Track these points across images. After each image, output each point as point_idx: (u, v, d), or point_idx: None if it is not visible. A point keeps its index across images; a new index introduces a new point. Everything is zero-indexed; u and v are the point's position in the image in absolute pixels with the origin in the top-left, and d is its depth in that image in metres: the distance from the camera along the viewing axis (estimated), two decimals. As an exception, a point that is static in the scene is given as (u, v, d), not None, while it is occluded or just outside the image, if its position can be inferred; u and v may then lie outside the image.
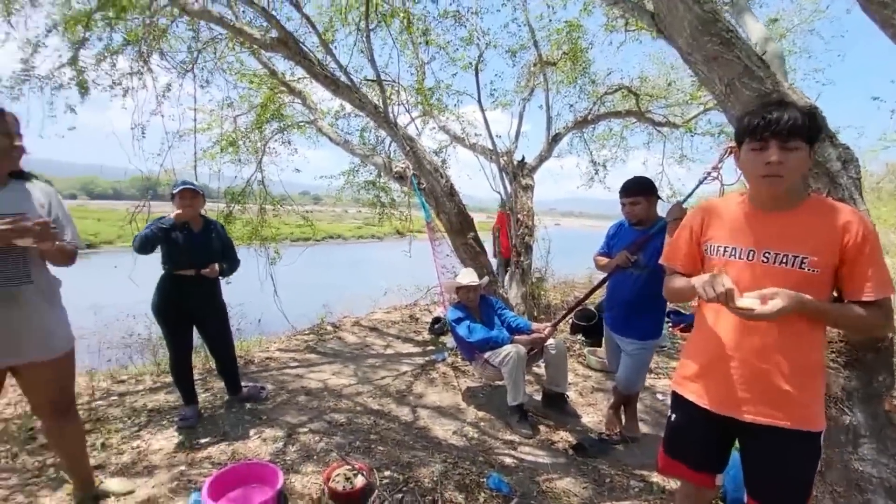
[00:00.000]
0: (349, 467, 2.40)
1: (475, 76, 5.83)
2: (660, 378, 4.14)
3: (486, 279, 3.76)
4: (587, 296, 3.13)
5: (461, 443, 2.88)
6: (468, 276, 3.49)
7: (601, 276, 2.95)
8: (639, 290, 2.64)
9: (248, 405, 3.23)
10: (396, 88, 5.48)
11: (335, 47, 5.61)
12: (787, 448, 1.36)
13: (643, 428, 3.06)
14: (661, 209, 2.68)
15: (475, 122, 7.08)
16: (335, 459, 2.58)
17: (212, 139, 7.45)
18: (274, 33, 4.52)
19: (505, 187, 5.61)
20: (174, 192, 2.85)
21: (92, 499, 2.13)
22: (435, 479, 2.43)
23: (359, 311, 7.20)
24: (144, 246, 2.72)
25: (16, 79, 4.94)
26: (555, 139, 7.06)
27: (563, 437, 3.01)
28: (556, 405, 3.31)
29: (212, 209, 6.51)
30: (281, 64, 6.54)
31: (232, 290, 3.43)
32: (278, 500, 2.19)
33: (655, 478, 2.54)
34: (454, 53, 6.49)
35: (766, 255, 1.33)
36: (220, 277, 3.04)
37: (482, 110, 5.52)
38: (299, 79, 6.16)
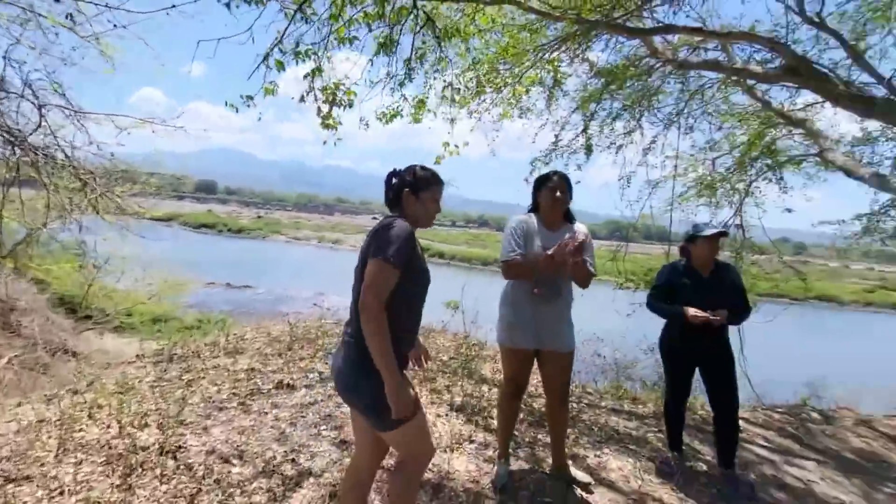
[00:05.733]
0: None
1: None
2: None
3: None
4: None
5: None
6: None
7: None
8: None
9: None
10: None
11: (872, 58, 4.32)
12: None
13: None
14: None
15: None
16: None
17: (686, 184, 7.55)
18: (778, 62, 4.03)
19: None
20: (702, 234, 2.72)
21: (561, 478, 2.55)
22: None
23: (866, 406, 5.18)
24: (655, 312, 2.88)
25: (546, 152, 6.65)
26: None
27: None
28: None
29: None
30: (779, 94, 5.77)
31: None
32: None
33: None
34: None
35: None
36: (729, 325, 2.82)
37: None
38: (804, 107, 5.19)
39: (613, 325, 4.91)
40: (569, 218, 2.46)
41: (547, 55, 5.23)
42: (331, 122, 4.10)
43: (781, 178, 6.36)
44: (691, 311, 2.58)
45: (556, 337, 2.37)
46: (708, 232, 2.71)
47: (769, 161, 6.33)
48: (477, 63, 5.21)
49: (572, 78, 6.44)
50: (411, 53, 3.99)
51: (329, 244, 46.33)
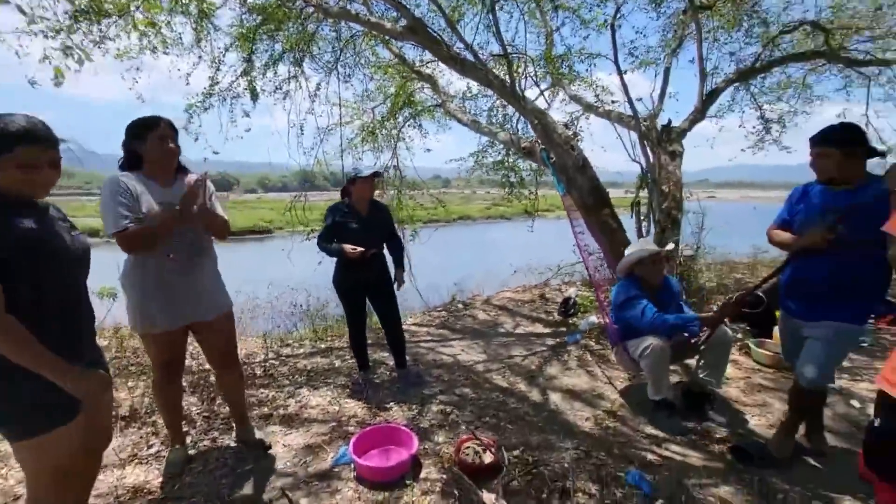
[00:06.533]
0: (479, 442, 2.43)
1: (611, 35, 5.27)
2: (857, 380, 3.33)
3: (670, 245, 3.31)
4: (764, 281, 2.59)
5: (596, 431, 2.70)
6: (646, 244, 2.96)
7: (770, 254, 2.39)
8: (839, 275, 2.07)
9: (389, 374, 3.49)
10: (524, 61, 5.27)
11: (462, 27, 5.60)
12: None
13: (832, 441, 2.49)
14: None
15: (610, 88, 6.47)
16: (465, 432, 2.64)
17: (354, 131, 8.20)
18: (404, 22, 4.67)
19: (647, 156, 5.01)
20: (360, 175, 2.97)
21: (247, 442, 2.52)
22: (566, 465, 2.32)
23: (489, 290, 7.28)
24: (324, 252, 3.05)
25: (205, 94, 5.94)
26: (710, 96, 6.05)
27: (720, 440, 2.60)
28: (697, 404, 2.84)
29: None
30: (412, 52, 6.81)
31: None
32: (413, 463, 2.33)
33: (847, 502, 2.04)
34: (586, 14, 5.98)
35: None
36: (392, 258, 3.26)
37: (620, 72, 4.97)
38: (427, 62, 6.28)
39: (305, 274, 5.05)
40: (181, 170, 2.17)
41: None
42: None
43: (420, 126, 7.70)
44: (348, 247, 2.88)
45: (206, 304, 2.17)
46: (365, 173, 3.02)
47: (411, 110, 7.53)
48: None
49: (226, 11, 5.76)
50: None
51: None
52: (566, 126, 7.31)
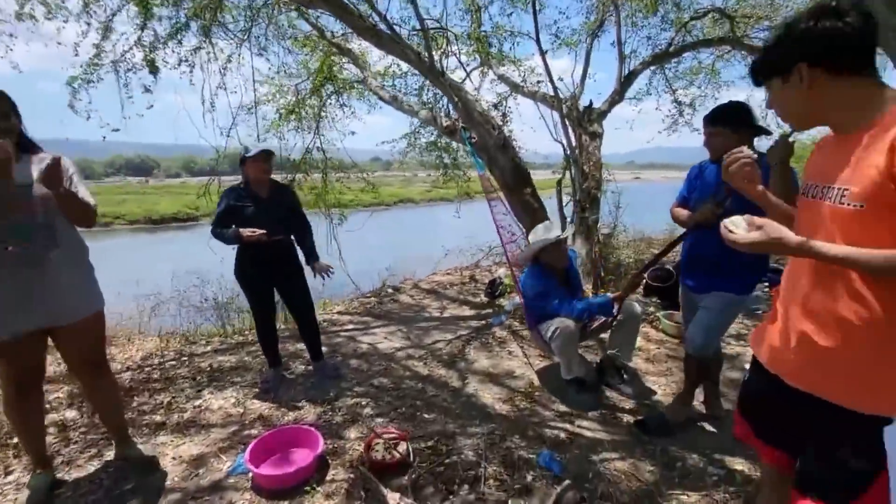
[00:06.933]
0: (391, 435, 2.31)
1: (533, 14, 5.22)
2: (748, 346, 3.58)
3: (570, 229, 3.28)
4: (658, 257, 2.69)
5: (512, 413, 2.68)
6: (550, 231, 2.81)
7: (682, 231, 2.46)
8: (726, 248, 2.15)
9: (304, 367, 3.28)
10: (445, 36, 5.08)
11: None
12: (830, 427, 1.05)
13: (726, 405, 2.64)
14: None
15: (536, 68, 6.48)
16: (380, 426, 2.51)
17: (277, 110, 7.63)
18: (315, -12, 4.31)
19: (568, 137, 5.07)
20: (248, 155, 2.71)
21: (129, 459, 2.23)
22: (480, 451, 2.27)
23: (422, 274, 7.17)
24: (219, 239, 2.73)
25: (91, 63, 5.21)
26: (628, 79, 6.24)
27: (629, 412, 2.68)
28: (611, 377, 2.93)
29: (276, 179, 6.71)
30: (333, 24, 6.38)
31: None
32: (318, 465, 2.17)
33: (740, 465, 2.16)
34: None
35: (815, 189, 1.09)
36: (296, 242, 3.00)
37: (541, 51, 4.94)
38: (344, 34, 5.92)
39: (212, 266, 4.63)
40: (25, 148, 1.82)
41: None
42: None
43: (344, 105, 7.32)
44: (245, 231, 2.60)
45: (62, 305, 1.84)
46: (253, 152, 2.73)
47: (334, 87, 7.11)
48: None
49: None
50: None
51: None
52: (495, 107, 7.30)
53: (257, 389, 2.97)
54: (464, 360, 3.39)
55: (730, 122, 2.07)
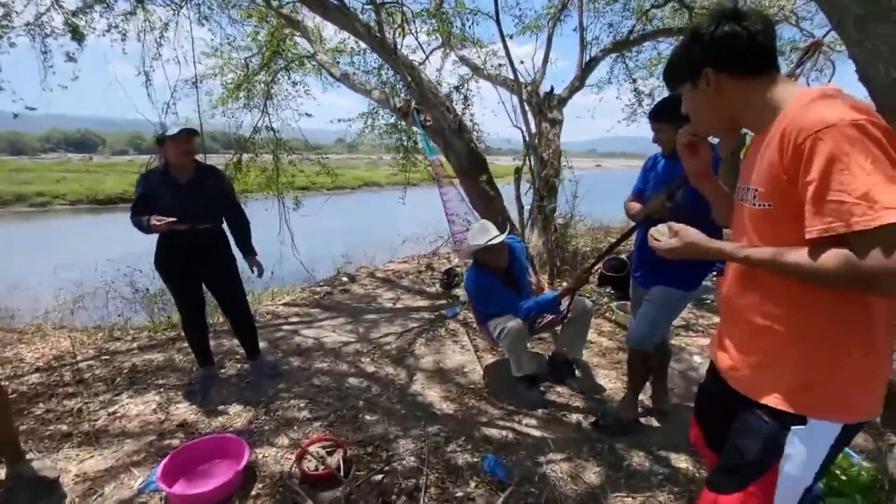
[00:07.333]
0: (326, 443, 2.14)
1: (493, -9, 5.01)
2: (696, 336, 3.63)
3: (503, 235, 3.10)
4: (609, 250, 2.60)
5: (459, 412, 2.56)
6: (486, 232, 2.64)
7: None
8: None
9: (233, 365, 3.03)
10: (402, 11, 4.80)
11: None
12: (746, 422, 1.05)
13: (674, 400, 2.63)
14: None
15: (498, 52, 6.29)
16: (317, 430, 2.34)
17: (225, 85, 7.09)
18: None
19: (528, 123, 4.94)
20: (168, 134, 2.39)
21: (17, 476, 1.97)
22: (423, 456, 2.14)
23: (379, 261, 6.95)
24: (137, 228, 2.43)
25: None
26: (589, 65, 6.16)
27: (579, 408, 2.62)
28: (561, 372, 2.87)
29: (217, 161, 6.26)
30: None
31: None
32: (243, 479, 1.98)
33: (684, 463, 2.13)
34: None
35: (740, 191, 1.08)
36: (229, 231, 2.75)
37: (500, 31, 4.75)
38: (290, 2, 5.52)
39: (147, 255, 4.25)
40: None
41: None
42: None
43: (297, 82, 6.89)
44: (153, 219, 2.32)
45: None
46: (173, 131, 2.42)
47: (284, 61, 6.65)
48: None
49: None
50: None
51: None
52: (457, 89, 7.07)
53: (185, 391, 2.72)
54: (413, 356, 3.24)
55: (671, 117, 1.99)
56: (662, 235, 1.15)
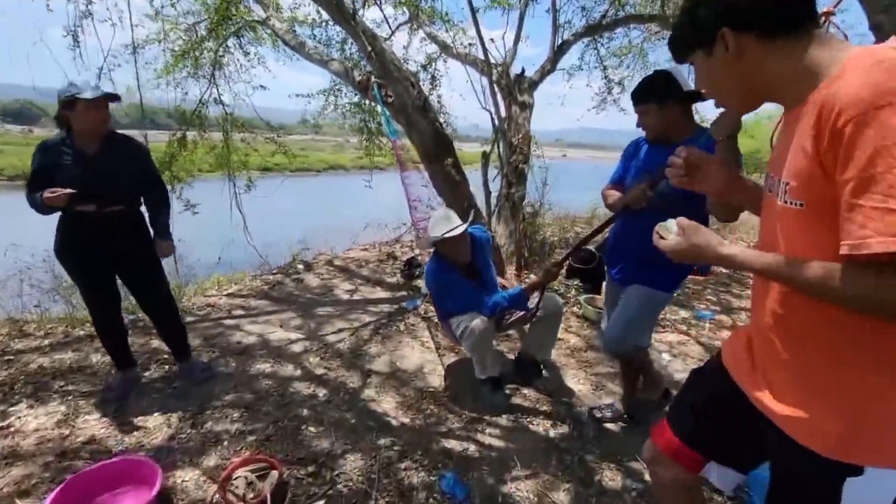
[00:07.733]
0: (259, 465, 1.85)
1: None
2: (664, 332, 3.51)
3: (467, 221, 2.83)
4: (581, 244, 2.41)
5: (416, 421, 2.31)
6: (446, 222, 2.37)
7: (607, 210, 2.17)
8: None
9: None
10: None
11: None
12: (779, 455, 0.90)
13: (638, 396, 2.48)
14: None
15: (469, 31, 5.95)
16: (248, 446, 2.03)
17: (172, 53, 6.42)
18: None
19: (497, 105, 4.67)
20: (84, 96, 1.98)
21: None
22: (372, 476, 1.89)
23: (340, 248, 6.58)
24: (33, 208, 2.03)
25: None
26: (561, 48, 5.95)
27: (547, 413, 2.42)
28: (528, 373, 2.67)
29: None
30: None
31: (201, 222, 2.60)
32: (156, 511, 1.66)
33: (657, 476, 1.97)
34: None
35: (770, 181, 0.87)
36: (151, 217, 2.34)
37: (471, 6, 4.43)
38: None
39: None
40: None
41: None
42: None
43: (248, 53, 6.34)
44: (47, 192, 1.92)
45: None
46: (88, 94, 2.01)
47: (233, 26, 6.07)
48: None
49: None
50: None
51: None
52: (424, 68, 6.69)
53: (97, 399, 2.34)
54: (367, 355, 2.96)
55: (655, 96, 1.78)
56: (669, 232, 0.97)
